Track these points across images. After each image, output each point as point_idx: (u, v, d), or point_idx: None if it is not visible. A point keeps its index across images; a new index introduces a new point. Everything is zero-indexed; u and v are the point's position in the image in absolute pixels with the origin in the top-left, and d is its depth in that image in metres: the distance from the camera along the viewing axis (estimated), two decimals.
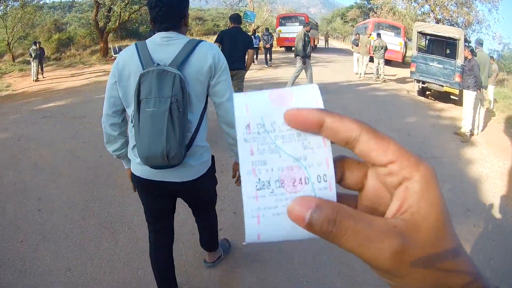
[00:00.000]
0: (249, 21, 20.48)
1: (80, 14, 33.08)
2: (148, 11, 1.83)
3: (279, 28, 23.77)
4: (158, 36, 1.75)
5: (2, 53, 24.32)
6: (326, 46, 35.47)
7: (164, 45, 1.73)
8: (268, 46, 16.80)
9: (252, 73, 12.27)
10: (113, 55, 18.83)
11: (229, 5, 25.73)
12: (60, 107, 8.31)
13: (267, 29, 18.95)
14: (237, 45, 5.61)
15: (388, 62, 14.92)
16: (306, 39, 8.82)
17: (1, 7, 19.26)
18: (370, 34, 13.82)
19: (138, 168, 1.84)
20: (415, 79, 10.52)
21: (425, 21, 21.28)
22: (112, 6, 19.25)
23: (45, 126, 6.86)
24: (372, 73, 13.20)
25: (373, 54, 13.03)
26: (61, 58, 22.45)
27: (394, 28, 20.28)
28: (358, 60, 13.99)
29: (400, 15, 24.04)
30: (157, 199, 2.01)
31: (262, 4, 34.93)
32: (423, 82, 10.28)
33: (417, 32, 10.86)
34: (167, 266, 2.17)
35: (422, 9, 20.57)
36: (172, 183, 1.84)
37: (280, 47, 25.19)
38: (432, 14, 20.06)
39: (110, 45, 21.57)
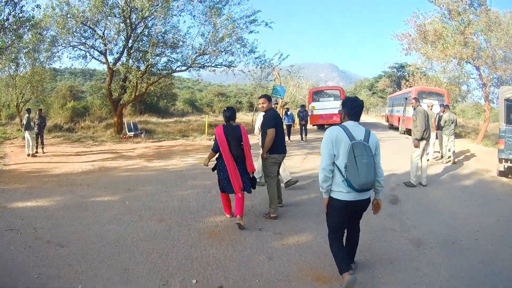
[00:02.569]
0: (279, 96, 18.82)
1: (99, 83, 31.87)
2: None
3: (312, 104, 21.77)
4: (351, 123, 3.44)
5: (14, 115, 23.25)
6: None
7: (355, 129, 3.38)
8: (303, 123, 17.38)
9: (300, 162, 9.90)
10: (128, 133, 16.65)
11: (257, 79, 24.20)
12: (39, 213, 5.78)
13: (302, 106, 19.00)
14: (282, 127, 5.79)
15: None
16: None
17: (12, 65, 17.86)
18: (432, 106, 11.69)
19: (345, 195, 3.30)
20: (503, 159, 8.84)
21: (462, 84, 19.44)
22: (127, 75, 17.28)
23: (3, 252, 4.28)
24: (438, 153, 11.97)
25: (440, 130, 11.52)
26: (74, 129, 20.93)
27: (437, 95, 18.72)
28: None
29: (437, 80, 22.16)
30: (346, 215, 3.49)
31: (288, 78, 33.86)
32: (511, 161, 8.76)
33: (504, 99, 8.87)
34: (344, 250, 3.60)
35: (460, 71, 18.20)
36: (363, 200, 3.38)
37: (313, 125, 23.13)
38: (478, 74, 17.73)
39: (125, 120, 19.59)
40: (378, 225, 5.23)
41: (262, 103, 5.67)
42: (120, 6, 15.72)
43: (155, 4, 15.38)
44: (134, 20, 16.41)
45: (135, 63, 18.06)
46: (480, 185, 8.29)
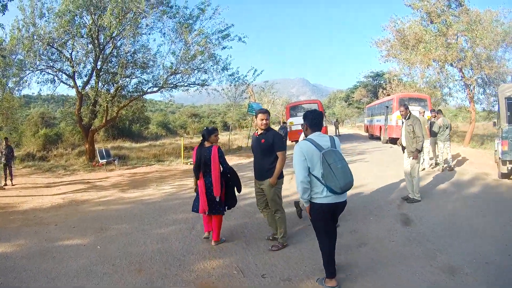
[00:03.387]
0: (254, 114, 18.19)
1: (71, 109, 30.67)
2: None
3: (290, 119, 21.26)
4: (316, 134, 3.68)
5: None
6: (338, 134, 33.38)
7: (321, 139, 3.61)
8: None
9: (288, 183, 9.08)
10: (100, 161, 15.41)
11: (231, 97, 23.56)
12: (0, 263, 4.80)
13: (284, 123, 18.73)
14: None
15: None
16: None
17: None
18: (424, 112, 11.31)
19: (325, 199, 3.52)
20: (508, 160, 8.39)
21: (441, 87, 19.18)
22: (97, 99, 16.12)
23: None
24: (432, 160, 11.43)
25: (433, 136, 10.87)
26: (47, 157, 19.85)
27: (420, 101, 18.49)
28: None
29: (415, 85, 21.94)
30: (330, 216, 3.66)
31: (262, 95, 33.51)
32: None
33: (505, 98, 8.57)
34: (333, 254, 3.73)
35: (444, 74, 17.89)
36: (343, 202, 3.65)
37: (292, 141, 22.68)
38: (460, 75, 17.50)
39: (97, 147, 18.26)
40: (397, 252, 4.51)
41: (266, 119, 4.81)
42: (87, 26, 14.83)
43: (123, 22, 14.53)
44: (102, 40, 15.53)
45: (105, 86, 17.10)
46: (487, 191, 7.80)
